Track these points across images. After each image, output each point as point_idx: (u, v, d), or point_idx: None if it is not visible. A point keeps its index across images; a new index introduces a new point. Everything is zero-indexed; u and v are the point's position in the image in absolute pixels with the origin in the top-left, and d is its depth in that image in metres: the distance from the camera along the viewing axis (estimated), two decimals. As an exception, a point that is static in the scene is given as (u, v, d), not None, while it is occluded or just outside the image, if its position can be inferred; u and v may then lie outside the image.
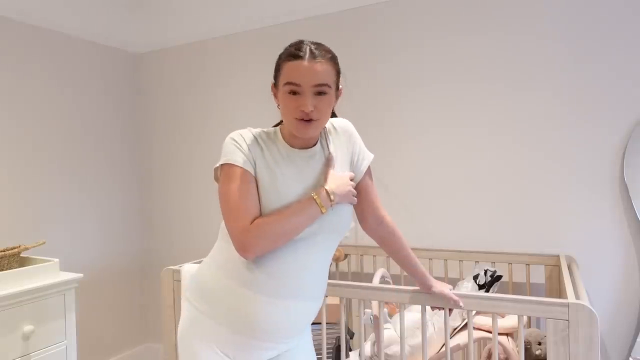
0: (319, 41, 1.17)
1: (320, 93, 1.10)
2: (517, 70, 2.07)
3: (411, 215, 2.30)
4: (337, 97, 1.19)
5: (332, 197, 1.12)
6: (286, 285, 1.11)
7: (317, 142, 1.22)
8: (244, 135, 1.17)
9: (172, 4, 2.35)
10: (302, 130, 1.11)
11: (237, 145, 1.14)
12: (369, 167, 1.29)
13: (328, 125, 1.26)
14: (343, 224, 1.20)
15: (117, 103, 2.98)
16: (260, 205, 1.12)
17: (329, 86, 1.11)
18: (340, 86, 1.19)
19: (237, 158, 1.13)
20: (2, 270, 1.85)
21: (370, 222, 1.31)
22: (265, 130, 1.23)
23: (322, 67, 1.09)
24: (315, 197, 1.10)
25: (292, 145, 1.19)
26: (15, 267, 1.92)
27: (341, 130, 1.27)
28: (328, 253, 1.20)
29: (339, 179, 1.17)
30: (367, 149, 1.34)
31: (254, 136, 1.18)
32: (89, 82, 2.78)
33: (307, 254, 1.14)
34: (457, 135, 2.20)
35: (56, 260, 1.98)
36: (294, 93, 1.09)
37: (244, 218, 1.08)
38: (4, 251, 1.92)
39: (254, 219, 1.08)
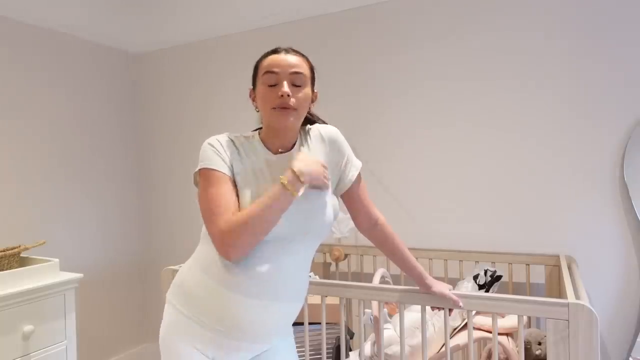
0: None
1: (296, 84, 1.15)
2: (517, 70, 2.07)
3: (411, 215, 2.30)
4: (313, 99, 1.23)
5: (301, 178, 1.08)
6: (265, 286, 1.12)
7: (294, 145, 1.23)
8: (220, 140, 1.20)
9: (172, 4, 2.35)
10: (280, 119, 1.14)
11: (214, 150, 1.17)
12: (359, 174, 1.30)
13: (315, 132, 1.27)
14: (321, 228, 1.18)
15: (117, 103, 2.98)
16: (239, 207, 1.12)
17: (305, 76, 1.17)
18: (315, 90, 1.23)
19: (215, 162, 1.15)
20: (2, 270, 1.85)
21: (364, 224, 1.34)
22: (244, 134, 1.26)
23: (297, 58, 1.18)
24: (283, 181, 1.07)
25: (270, 149, 1.22)
26: (15, 267, 1.92)
27: (328, 139, 1.26)
28: (307, 255, 1.21)
29: (307, 159, 1.13)
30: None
31: (231, 140, 1.21)
32: (88, 82, 2.78)
33: (285, 256, 1.15)
34: (457, 135, 2.20)
35: (56, 260, 1.98)
36: (272, 85, 1.15)
37: (224, 220, 1.07)
38: (4, 251, 1.92)
39: None
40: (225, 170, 1.14)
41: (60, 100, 2.61)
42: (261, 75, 1.17)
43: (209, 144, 1.18)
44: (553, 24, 2.00)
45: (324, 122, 1.34)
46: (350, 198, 1.31)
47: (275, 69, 1.14)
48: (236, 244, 1.06)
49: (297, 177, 1.08)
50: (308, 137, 1.26)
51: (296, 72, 1.15)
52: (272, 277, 1.13)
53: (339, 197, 1.31)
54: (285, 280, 1.15)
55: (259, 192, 1.13)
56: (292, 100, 1.14)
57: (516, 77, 2.08)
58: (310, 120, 1.31)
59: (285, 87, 1.13)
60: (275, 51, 1.18)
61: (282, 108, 1.13)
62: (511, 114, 2.09)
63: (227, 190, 1.12)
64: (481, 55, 2.14)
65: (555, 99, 2.01)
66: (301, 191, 1.09)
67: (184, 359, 1.14)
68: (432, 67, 2.24)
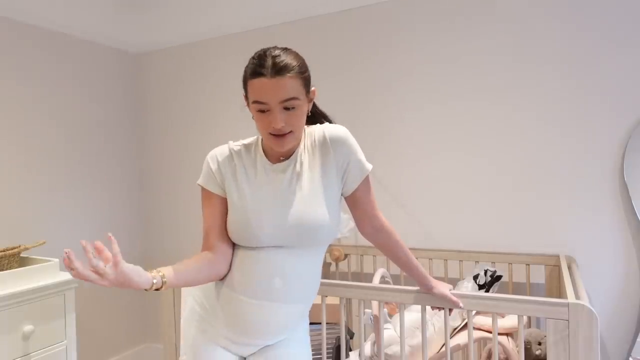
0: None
1: (289, 108, 1.09)
2: (517, 69, 2.07)
3: (411, 215, 2.30)
4: (311, 98, 1.18)
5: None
6: (266, 288, 1.16)
7: (294, 152, 1.21)
8: (217, 155, 1.24)
9: (172, 4, 2.35)
10: (278, 145, 1.13)
11: (208, 167, 1.23)
12: (366, 177, 1.24)
13: (319, 133, 1.21)
14: (314, 232, 1.17)
15: (117, 103, 2.98)
16: (229, 221, 1.20)
17: (297, 98, 1.09)
18: (312, 88, 1.18)
19: (206, 180, 1.23)
20: (2, 270, 1.85)
21: (367, 229, 1.30)
22: (246, 142, 1.26)
23: (287, 82, 1.07)
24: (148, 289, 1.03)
25: (270, 157, 1.22)
26: (15, 267, 1.92)
27: (331, 140, 1.19)
28: (310, 259, 1.21)
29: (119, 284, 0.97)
30: (368, 150, 1.31)
31: (230, 153, 1.23)
32: (89, 82, 2.78)
33: (286, 259, 1.17)
34: (457, 135, 2.20)
35: (56, 260, 1.98)
36: (262, 111, 1.10)
37: (203, 244, 1.21)
38: (4, 251, 1.92)
39: (209, 242, 1.19)
40: (216, 189, 1.22)
41: (60, 101, 2.61)
42: (251, 101, 1.12)
43: (208, 160, 1.24)
44: (553, 24, 2.00)
45: (326, 117, 1.32)
46: (354, 202, 1.26)
47: (264, 100, 1.08)
48: None
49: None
50: (311, 141, 1.22)
51: (287, 100, 1.08)
52: (272, 279, 1.16)
53: (344, 199, 1.29)
54: (287, 282, 1.17)
55: (248, 208, 1.17)
56: (287, 127, 1.10)
57: (516, 77, 2.08)
58: (313, 116, 1.29)
59: (278, 120, 1.08)
60: (261, 73, 1.07)
61: (278, 135, 1.12)
62: (511, 115, 2.09)
63: (212, 213, 1.21)
64: (481, 56, 2.14)
65: (555, 99, 2.01)
66: (159, 281, 1.03)
67: (196, 345, 1.23)
68: (432, 67, 2.24)
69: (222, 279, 1.21)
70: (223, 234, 1.20)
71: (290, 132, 1.12)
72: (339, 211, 1.24)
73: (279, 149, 1.14)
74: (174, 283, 1.07)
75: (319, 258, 1.24)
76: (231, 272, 1.20)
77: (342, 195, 1.26)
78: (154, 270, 1.04)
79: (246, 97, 1.18)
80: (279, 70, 1.06)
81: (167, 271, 1.05)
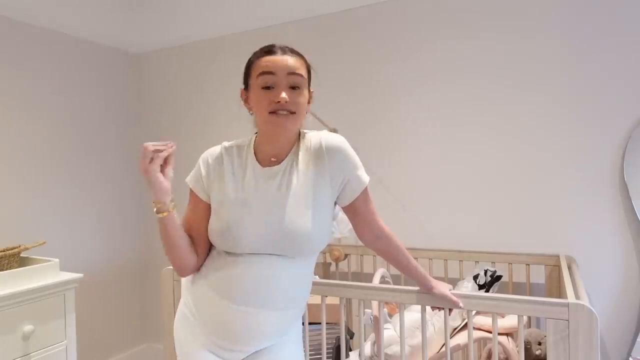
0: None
1: (294, 87, 1.11)
2: (517, 70, 2.07)
3: (411, 215, 2.30)
4: (309, 96, 1.19)
5: (153, 199, 1.17)
6: (252, 295, 1.13)
7: (285, 157, 1.19)
8: (209, 157, 1.25)
9: (172, 4, 2.35)
10: (279, 124, 1.11)
11: (199, 171, 1.25)
12: (365, 189, 1.22)
13: (316, 140, 1.19)
14: (301, 249, 1.15)
15: (117, 103, 2.98)
16: (211, 225, 1.20)
17: (302, 77, 1.12)
18: (311, 89, 1.20)
19: (194, 183, 1.25)
20: (2, 270, 1.85)
21: (367, 237, 1.29)
22: (238, 144, 1.26)
23: (294, 59, 1.13)
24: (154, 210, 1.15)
25: (261, 160, 1.20)
26: (15, 267, 1.92)
27: (328, 150, 1.17)
28: (296, 269, 1.18)
29: (147, 180, 1.19)
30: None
31: (220, 155, 1.24)
32: (89, 82, 2.78)
33: (271, 267, 1.14)
34: (457, 135, 2.20)
35: (56, 260, 1.98)
36: (268, 88, 1.11)
37: None
38: (4, 251, 1.92)
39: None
40: (201, 194, 1.23)
41: (60, 100, 2.61)
42: (256, 76, 1.12)
43: (199, 162, 1.26)
44: (554, 25, 2.00)
45: (321, 122, 1.33)
46: (353, 212, 1.25)
47: (272, 70, 1.09)
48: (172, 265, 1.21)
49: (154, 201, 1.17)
50: (307, 147, 1.19)
51: (294, 74, 1.10)
52: (259, 286, 1.13)
53: (343, 209, 1.27)
54: (273, 289, 1.14)
55: (223, 211, 1.16)
56: (291, 105, 1.09)
57: (516, 77, 2.08)
58: None
59: (283, 93, 1.08)
60: (270, 51, 1.12)
61: (280, 113, 1.09)
62: (511, 114, 2.09)
63: (193, 216, 1.23)
64: (482, 57, 2.14)
65: (555, 99, 2.01)
66: (167, 208, 1.16)
67: (187, 348, 1.21)
68: (433, 68, 2.24)
69: (210, 285, 1.18)
70: (199, 239, 1.22)
71: (293, 113, 1.11)
72: (330, 221, 1.22)
73: (280, 129, 1.11)
74: (174, 221, 1.15)
75: (308, 265, 1.22)
76: (219, 279, 1.16)
77: (340, 205, 1.25)
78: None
79: (245, 88, 1.20)
80: (288, 51, 1.14)
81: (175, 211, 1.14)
